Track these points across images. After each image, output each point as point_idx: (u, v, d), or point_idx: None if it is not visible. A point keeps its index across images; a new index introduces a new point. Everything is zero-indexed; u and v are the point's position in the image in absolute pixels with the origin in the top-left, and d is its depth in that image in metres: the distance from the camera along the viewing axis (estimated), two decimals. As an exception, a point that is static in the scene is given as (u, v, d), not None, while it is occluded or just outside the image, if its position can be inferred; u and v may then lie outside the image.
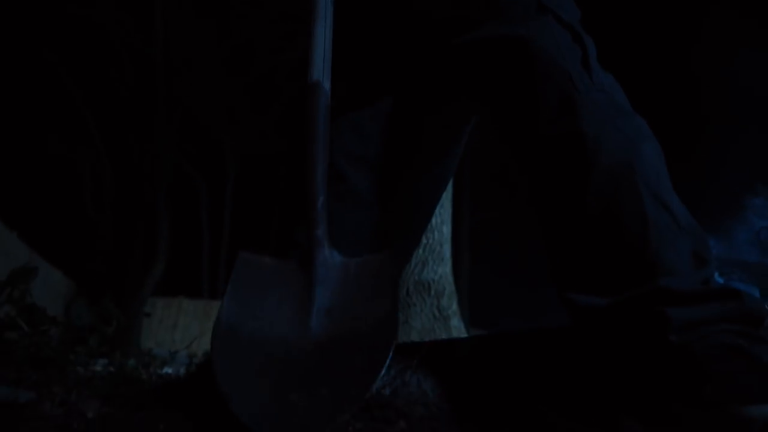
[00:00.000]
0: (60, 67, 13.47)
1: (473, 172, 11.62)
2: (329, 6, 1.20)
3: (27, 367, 1.17)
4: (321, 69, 1.14)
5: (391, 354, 0.85)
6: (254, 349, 0.93)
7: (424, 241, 3.67)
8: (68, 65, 13.49)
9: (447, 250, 3.87)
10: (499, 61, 1.12)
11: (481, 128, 1.48)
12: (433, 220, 3.73)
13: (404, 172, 1.34)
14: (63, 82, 13.66)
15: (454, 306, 3.80)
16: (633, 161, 1.00)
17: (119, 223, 15.21)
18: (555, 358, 1.06)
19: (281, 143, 14.61)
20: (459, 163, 1.49)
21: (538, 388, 0.96)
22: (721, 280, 0.96)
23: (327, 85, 1.13)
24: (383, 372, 0.84)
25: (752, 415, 0.68)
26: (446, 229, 3.87)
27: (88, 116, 14.10)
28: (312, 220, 1.05)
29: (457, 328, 3.45)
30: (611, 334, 0.96)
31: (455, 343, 1.28)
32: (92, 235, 14.94)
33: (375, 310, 0.93)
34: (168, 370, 2.42)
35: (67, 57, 13.43)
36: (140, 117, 14.06)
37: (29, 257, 9.34)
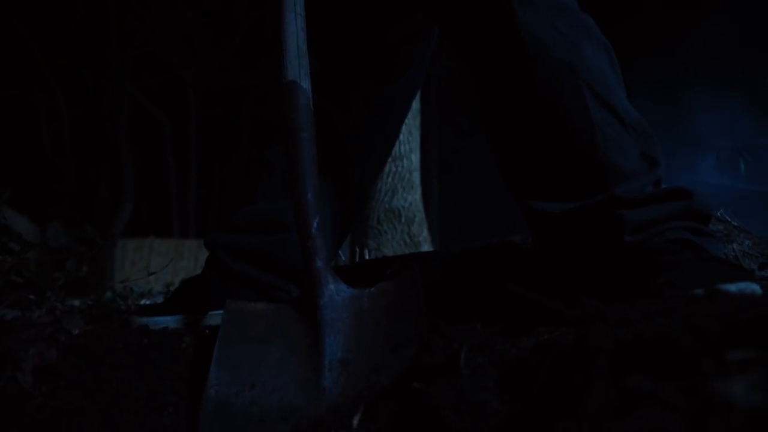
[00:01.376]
0: (5, 5, 12.69)
1: (440, 100, 11.56)
2: None
3: (7, 290, 1.18)
4: (296, 66, 0.97)
5: None
6: (254, 428, 0.74)
7: (393, 169, 3.70)
8: (14, 2, 12.71)
9: (416, 178, 3.91)
10: None
11: (448, 57, 1.47)
12: (402, 148, 3.75)
13: (363, 85, 1.33)
14: (9, 20, 12.91)
15: (425, 233, 3.89)
16: (574, 62, 0.99)
17: (82, 165, 14.85)
18: (520, 263, 1.13)
19: (243, 76, 14.22)
20: (425, 89, 1.46)
21: (506, 278, 1.02)
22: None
23: (305, 84, 0.97)
24: None
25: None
26: (415, 157, 3.90)
27: (37, 53, 13.44)
28: (308, 249, 0.87)
29: (428, 253, 3.55)
30: (568, 238, 1.01)
31: (426, 255, 1.34)
32: (54, 178, 14.57)
33: (399, 356, 0.74)
34: (146, 301, 2.46)
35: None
36: (93, 53, 13.47)
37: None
